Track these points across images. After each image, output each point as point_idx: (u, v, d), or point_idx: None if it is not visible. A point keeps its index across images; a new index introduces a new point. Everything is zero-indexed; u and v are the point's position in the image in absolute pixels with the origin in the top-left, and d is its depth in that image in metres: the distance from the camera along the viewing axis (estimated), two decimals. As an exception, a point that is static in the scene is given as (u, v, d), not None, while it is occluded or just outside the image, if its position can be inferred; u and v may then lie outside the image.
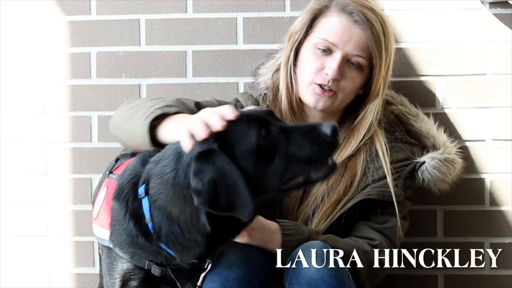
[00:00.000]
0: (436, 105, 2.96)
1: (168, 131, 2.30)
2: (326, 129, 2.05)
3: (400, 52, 2.96)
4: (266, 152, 2.03)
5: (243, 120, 2.06)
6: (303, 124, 2.20)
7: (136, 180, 2.19)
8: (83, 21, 3.03)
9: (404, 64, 2.97)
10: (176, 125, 2.29)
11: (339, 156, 2.56)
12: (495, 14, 2.93)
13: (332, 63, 2.52)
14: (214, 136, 2.03)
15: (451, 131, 2.91)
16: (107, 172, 2.36)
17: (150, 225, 2.13)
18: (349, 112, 2.64)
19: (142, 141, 2.33)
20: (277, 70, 2.67)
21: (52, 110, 3.06)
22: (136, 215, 2.16)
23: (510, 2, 2.89)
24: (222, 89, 2.99)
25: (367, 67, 2.56)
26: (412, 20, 2.96)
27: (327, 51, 2.54)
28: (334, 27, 2.54)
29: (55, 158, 3.06)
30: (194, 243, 2.09)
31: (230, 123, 2.04)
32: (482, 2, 2.93)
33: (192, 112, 2.36)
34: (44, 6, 3.04)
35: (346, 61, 2.54)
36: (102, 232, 2.24)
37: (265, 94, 2.69)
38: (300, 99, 2.61)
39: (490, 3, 2.92)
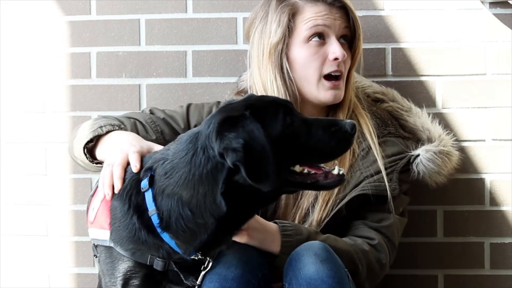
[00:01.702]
0: (436, 105, 2.97)
1: (101, 152, 2.46)
2: (347, 125, 2.12)
3: (400, 52, 2.97)
4: (287, 139, 2.08)
5: (271, 104, 2.12)
6: (324, 118, 2.26)
7: (137, 176, 2.19)
8: (83, 21, 3.04)
9: (404, 64, 2.97)
10: (106, 146, 2.44)
11: None
12: (495, 14, 2.93)
13: (334, 47, 2.55)
14: (246, 104, 2.09)
15: (451, 131, 2.91)
16: None
17: (153, 217, 2.13)
18: None
19: (89, 163, 2.48)
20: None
21: (52, 110, 3.06)
22: (139, 209, 2.16)
23: (510, 2, 2.89)
24: (222, 89, 2.99)
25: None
26: (412, 20, 2.96)
27: (321, 38, 2.56)
28: (316, 14, 2.56)
29: (55, 158, 3.06)
30: (203, 228, 2.10)
31: (260, 103, 2.11)
32: (482, 2, 2.93)
33: (144, 123, 2.61)
34: (44, 6, 3.04)
35: (338, 41, 2.57)
36: (102, 233, 2.24)
37: None
38: (298, 101, 2.59)
39: (490, 3, 2.92)
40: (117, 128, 2.50)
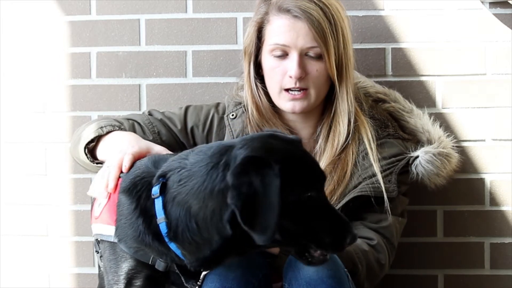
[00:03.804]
0: (436, 105, 2.97)
1: (101, 152, 2.51)
2: (348, 236, 2.05)
3: (400, 52, 2.97)
4: (297, 210, 2.01)
5: (306, 168, 2.05)
6: (337, 215, 2.10)
7: (150, 178, 2.17)
8: (83, 21, 3.04)
9: (404, 64, 2.97)
10: (106, 146, 2.50)
11: (335, 145, 2.58)
12: (495, 14, 2.93)
13: (291, 64, 2.53)
14: (282, 157, 2.01)
15: (451, 131, 2.91)
16: None
17: (162, 225, 2.10)
18: (328, 103, 2.64)
19: (90, 163, 2.53)
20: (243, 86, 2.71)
21: (52, 110, 3.06)
22: (147, 214, 2.13)
23: (510, 2, 2.89)
24: (222, 89, 2.99)
25: None
26: (412, 20, 2.96)
27: (283, 54, 2.55)
28: (279, 29, 2.55)
29: (55, 158, 3.06)
30: (208, 243, 2.06)
31: (296, 162, 2.03)
32: (482, 2, 2.93)
33: (142, 124, 2.65)
34: (44, 6, 3.04)
35: (304, 55, 2.55)
36: (107, 229, 2.23)
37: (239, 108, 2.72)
38: (272, 108, 2.64)
39: (490, 3, 2.92)
40: (117, 128, 2.55)
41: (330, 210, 2.08)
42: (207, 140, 2.69)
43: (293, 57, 2.54)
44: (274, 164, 1.97)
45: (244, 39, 2.67)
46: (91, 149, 2.54)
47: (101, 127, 2.53)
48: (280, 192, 1.95)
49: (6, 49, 3.06)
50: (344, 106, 2.59)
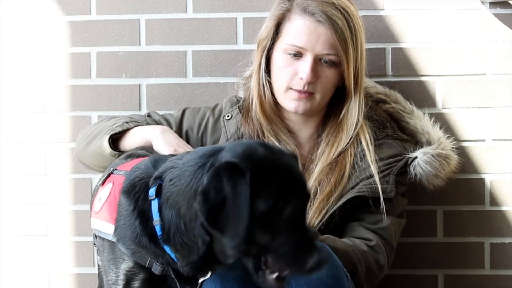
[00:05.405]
0: (436, 105, 2.97)
1: (132, 138, 2.58)
2: (313, 260, 1.96)
3: (400, 52, 2.97)
4: (266, 222, 1.96)
5: (284, 177, 1.99)
6: (308, 233, 2.02)
7: (147, 179, 2.17)
8: (83, 21, 3.04)
9: (404, 64, 2.97)
10: (138, 133, 2.59)
11: (333, 150, 2.57)
12: (495, 14, 2.93)
13: (304, 66, 2.53)
14: (253, 166, 1.96)
15: (451, 131, 2.91)
16: (112, 169, 2.36)
17: (157, 227, 2.10)
18: (334, 106, 2.64)
19: (106, 154, 2.57)
20: (251, 76, 2.69)
21: (52, 110, 3.06)
22: (144, 215, 2.14)
23: (510, 2, 2.89)
24: (222, 89, 2.99)
25: (340, 62, 2.55)
26: (412, 20, 2.96)
27: (298, 54, 2.54)
28: (299, 30, 2.54)
29: (55, 158, 3.06)
30: (196, 246, 2.06)
31: (273, 171, 1.98)
32: (482, 2, 2.93)
33: (141, 123, 2.70)
34: (44, 6, 3.04)
35: (318, 60, 2.54)
36: (105, 226, 2.23)
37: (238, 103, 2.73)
38: (275, 105, 2.63)
39: (490, 3, 2.92)
40: (144, 123, 2.66)
41: (302, 229, 1.99)
42: (202, 142, 2.70)
43: (308, 60, 2.53)
44: (246, 171, 1.94)
45: (261, 31, 2.65)
46: (113, 141, 2.60)
47: (127, 122, 2.61)
48: (250, 201, 1.92)
49: (6, 49, 3.07)
50: (354, 113, 2.58)
